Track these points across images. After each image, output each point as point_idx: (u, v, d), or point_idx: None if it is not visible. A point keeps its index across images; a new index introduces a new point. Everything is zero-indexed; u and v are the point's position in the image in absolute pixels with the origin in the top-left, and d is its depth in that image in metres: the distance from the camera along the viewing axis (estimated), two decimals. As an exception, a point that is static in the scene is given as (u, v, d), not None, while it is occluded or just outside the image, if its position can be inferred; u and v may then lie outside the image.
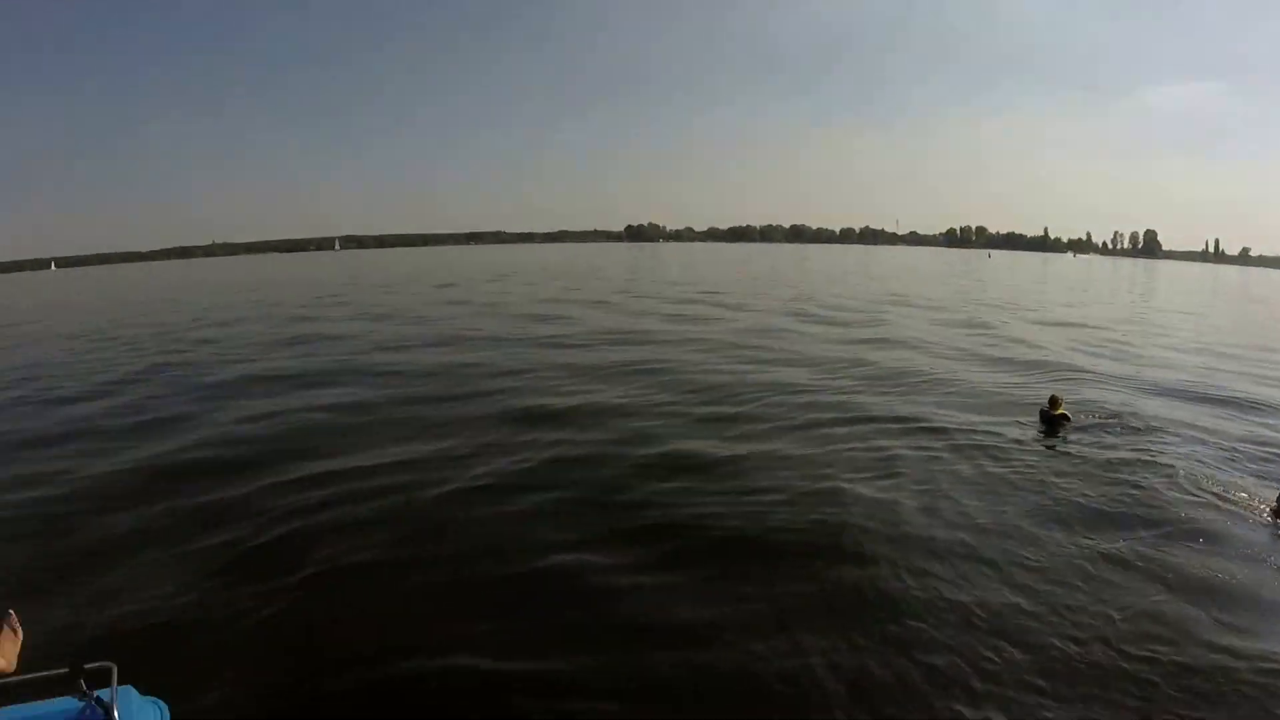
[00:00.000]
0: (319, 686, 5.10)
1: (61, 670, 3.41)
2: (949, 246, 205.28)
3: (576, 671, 5.29)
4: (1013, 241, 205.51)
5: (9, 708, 3.40)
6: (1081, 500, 8.38)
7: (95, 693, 3.43)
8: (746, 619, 5.87)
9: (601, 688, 5.12)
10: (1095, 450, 10.16)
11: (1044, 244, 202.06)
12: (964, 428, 11.36)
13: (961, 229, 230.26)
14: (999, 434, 11.02)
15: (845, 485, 8.72)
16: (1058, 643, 5.57)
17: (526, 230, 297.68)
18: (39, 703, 3.42)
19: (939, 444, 10.50)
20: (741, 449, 10.23)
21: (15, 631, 3.42)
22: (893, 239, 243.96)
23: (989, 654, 5.41)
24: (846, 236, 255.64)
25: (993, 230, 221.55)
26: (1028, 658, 5.38)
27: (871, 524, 7.61)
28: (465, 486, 8.97)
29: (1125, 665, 5.30)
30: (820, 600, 6.17)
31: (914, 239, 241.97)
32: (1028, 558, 6.87)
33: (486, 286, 46.43)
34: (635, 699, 5.00)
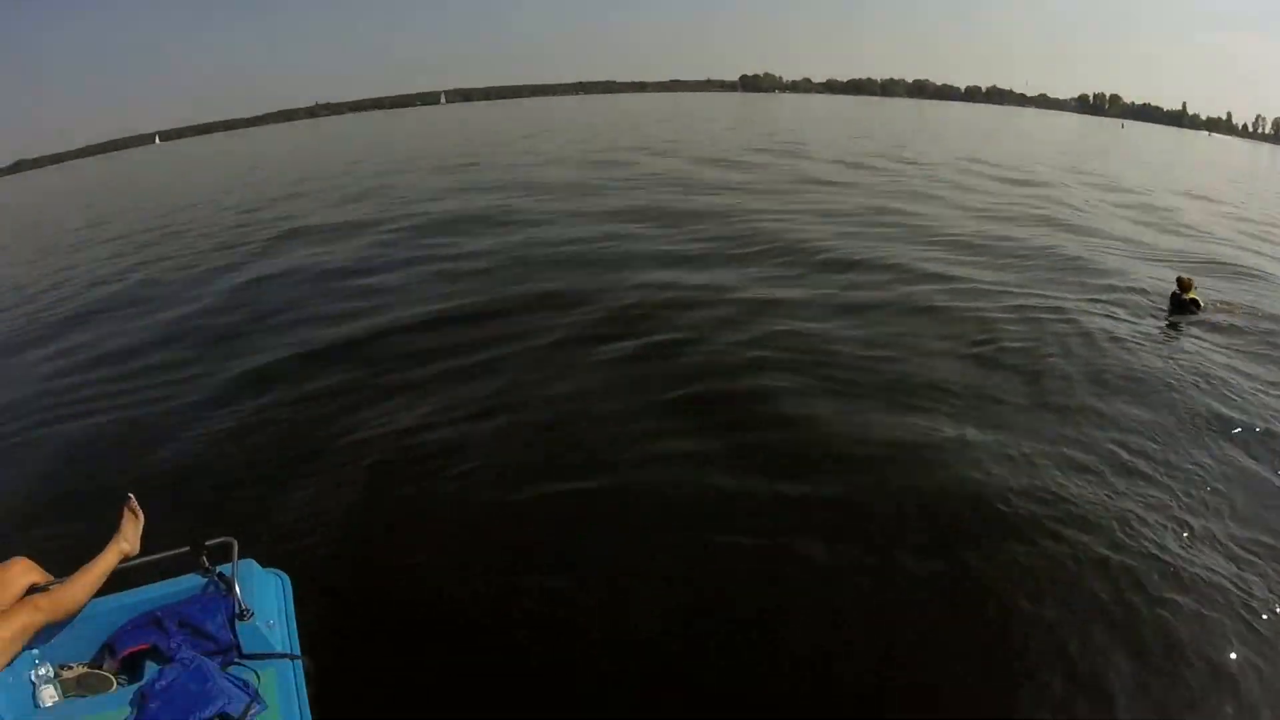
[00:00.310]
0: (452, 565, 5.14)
1: (183, 549, 3.65)
2: (1080, 113, 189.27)
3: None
4: (1147, 114, 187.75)
5: (137, 589, 3.66)
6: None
7: (217, 568, 3.62)
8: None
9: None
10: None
11: (1180, 119, 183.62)
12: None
13: (1095, 95, 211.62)
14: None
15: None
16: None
17: (638, 80, 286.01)
18: (164, 581, 3.69)
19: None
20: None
21: (136, 514, 3.65)
22: (1020, 100, 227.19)
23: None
24: (971, 95, 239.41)
25: (1127, 100, 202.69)
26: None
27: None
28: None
29: None
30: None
31: (1043, 102, 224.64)
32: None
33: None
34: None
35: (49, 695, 3.33)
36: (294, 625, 3.66)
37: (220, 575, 3.63)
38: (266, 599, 3.66)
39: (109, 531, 3.67)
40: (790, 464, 6.18)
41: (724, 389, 7.72)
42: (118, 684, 3.44)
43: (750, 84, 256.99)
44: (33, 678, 3.34)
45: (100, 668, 3.53)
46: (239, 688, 3.21)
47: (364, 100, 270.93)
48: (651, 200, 19.66)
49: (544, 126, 55.70)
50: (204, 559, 3.66)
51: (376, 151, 46.52)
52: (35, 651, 3.44)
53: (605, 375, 8.11)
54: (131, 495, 3.71)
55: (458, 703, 4.02)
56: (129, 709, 3.09)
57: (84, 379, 9.56)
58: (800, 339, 9.08)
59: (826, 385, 7.76)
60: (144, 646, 3.46)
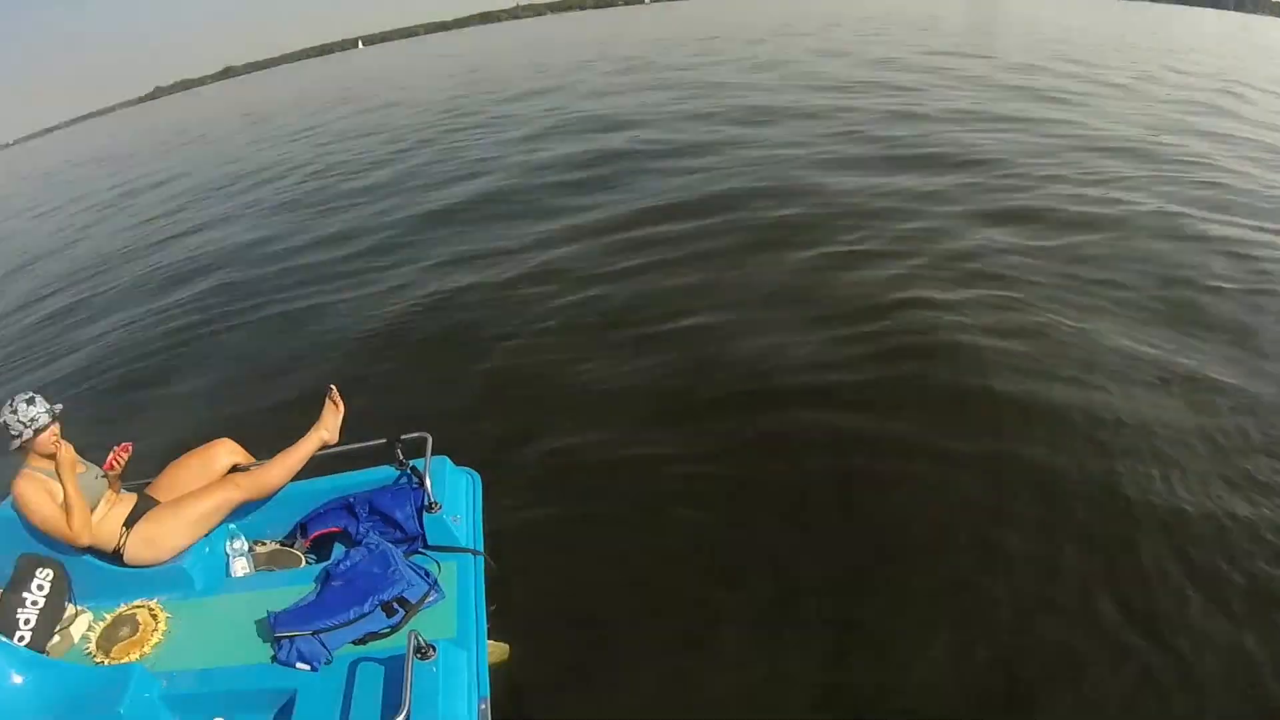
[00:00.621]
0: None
1: (379, 441, 3.62)
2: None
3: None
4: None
5: (332, 476, 3.68)
6: None
7: (411, 461, 3.59)
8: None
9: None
10: None
11: None
12: None
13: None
14: None
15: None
16: None
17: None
18: (359, 470, 3.69)
19: None
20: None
21: (336, 404, 3.69)
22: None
23: None
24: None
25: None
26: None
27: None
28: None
29: None
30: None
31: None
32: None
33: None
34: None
35: (241, 567, 3.40)
36: (479, 523, 3.54)
37: (413, 469, 3.57)
38: (456, 495, 3.56)
39: (311, 419, 3.65)
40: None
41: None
42: (306, 562, 3.48)
43: None
44: (228, 549, 3.43)
45: (291, 546, 3.57)
46: (420, 575, 3.11)
47: (565, 1, 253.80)
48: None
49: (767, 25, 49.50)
50: (399, 452, 3.61)
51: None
52: (232, 526, 3.53)
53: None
54: (334, 386, 3.70)
55: (631, 619, 3.88)
56: (313, 585, 3.11)
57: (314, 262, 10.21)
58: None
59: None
60: (334, 530, 3.48)
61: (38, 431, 3.12)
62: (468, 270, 9.04)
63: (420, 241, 10.66)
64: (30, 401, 3.14)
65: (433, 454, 3.55)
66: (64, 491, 3.12)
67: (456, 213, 11.88)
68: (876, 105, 16.97)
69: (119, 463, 3.46)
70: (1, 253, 17.99)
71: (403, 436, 3.59)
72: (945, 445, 4.92)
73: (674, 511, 4.57)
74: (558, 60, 40.59)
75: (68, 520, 3.10)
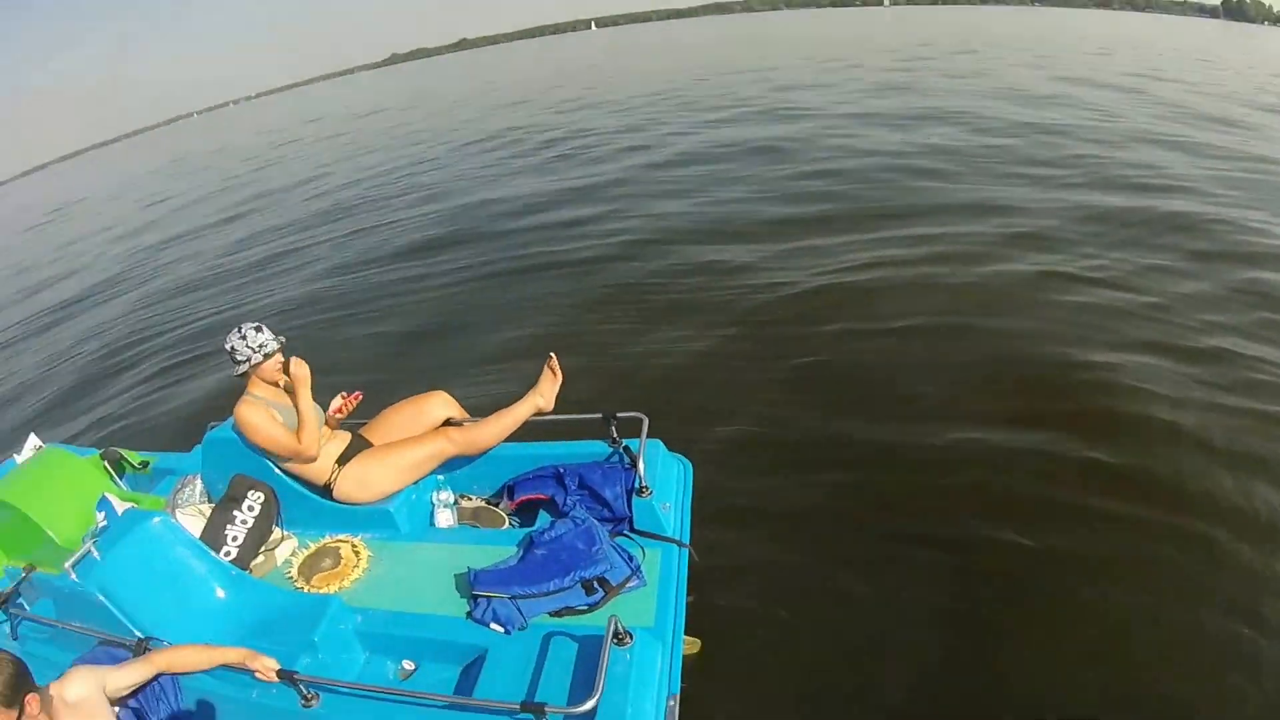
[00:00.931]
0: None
1: (595, 415, 3.46)
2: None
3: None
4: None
5: (544, 443, 3.59)
6: None
7: (624, 441, 3.43)
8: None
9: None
10: None
11: None
12: None
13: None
14: None
15: None
16: None
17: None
18: (571, 442, 3.56)
19: None
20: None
21: (555, 373, 3.52)
22: None
23: None
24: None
25: None
26: None
27: None
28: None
29: None
30: None
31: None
32: None
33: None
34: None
35: (445, 519, 3.32)
36: (688, 512, 3.32)
37: (626, 448, 3.39)
38: (667, 481, 3.35)
39: (529, 382, 3.56)
40: None
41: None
42: (509, 523, 3.38)
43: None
44: (434, 499, 3.37)
45: (496, 506, 3.46)
46: (623, 558, 2.92)
47: None
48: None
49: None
50: (613, 429, 3.44)
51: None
52: (440, 477, 3.48)
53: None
54: (553, 354, 3.58)
55: (833, 633, 3.60)
56: (515, 549, 2.98)
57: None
58: None
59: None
60: (541, 496, 3.35)
61: (267, 357, 3.20)
62: (776, 257, 8.39)
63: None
64: (258, 329, 3.22)
65: (648, 436, 3.35)
66: (297, 407, 3.19)
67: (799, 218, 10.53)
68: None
69: (348, 408, 3.52)
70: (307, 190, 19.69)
71: (619, 414, 3.42)
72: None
73: (894, 535, 4.17)
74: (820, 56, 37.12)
75: (298, 435, 3.17)
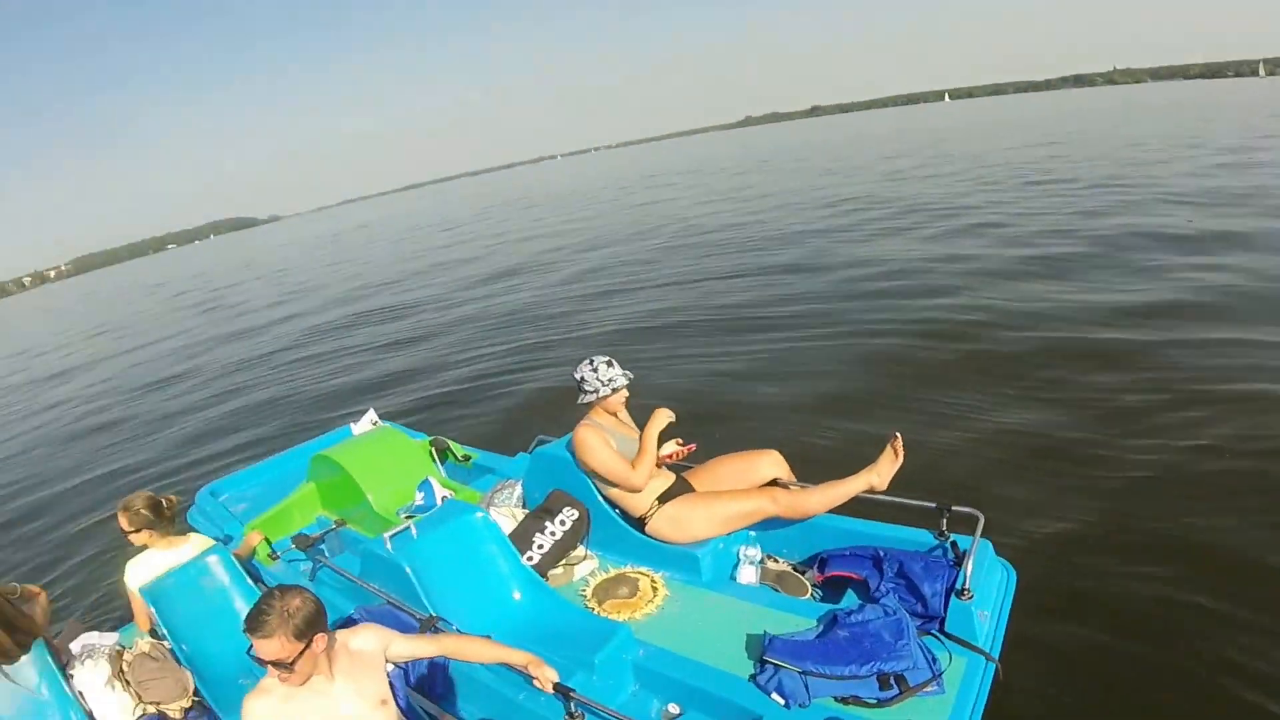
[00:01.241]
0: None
1: (929, 504, 3.22)
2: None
3: None
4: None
5: (869, 521, 3.40)
6: None
7: (952, 535, 3.18)
8: None
9: None
10: None
11: None
12: None
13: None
14: None
15: None
16: None
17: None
18: (899, 525, 3.34)
19: None
20: None
21: (896, 454, 3.32)
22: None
23: None
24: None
25: None
26: None
27: None
28: None
29: None
30: None
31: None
32: None
33: None
34: None
35: (748, 575, 3.26)
36: (1004, 624, 2.96)
37: (954, 544, 3.11)
38: (988, 587, 3.01)
39: (857, 456, 3.39)
40: None
41: None
42: (811, 595, 3.23)
43: None
44: (740, 554, 3.32)
45: (803, 574, 3.33)
46: (928, 659, 2.65)
47: (1166, 67, 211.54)
48: None
49: None
50: (944, 522, 3.17)
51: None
52: (753, 534, 3.43)
53: None
54: (898, 434, 3.35)
55: None
56: (814, 623, 2.86)
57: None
58: None
59: None
60: (854, 576, 3.15)
61: (614, 391, 3.44)
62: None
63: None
64: (609, 364, 3.46)
65: (981, 535, 3.00)
66: (642, 443, 3.37)
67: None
68: None
69: (679, 456, 3.59)
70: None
71: (954, 507, 3.12)
72: None
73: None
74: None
75: (634, 463, 3.33)
